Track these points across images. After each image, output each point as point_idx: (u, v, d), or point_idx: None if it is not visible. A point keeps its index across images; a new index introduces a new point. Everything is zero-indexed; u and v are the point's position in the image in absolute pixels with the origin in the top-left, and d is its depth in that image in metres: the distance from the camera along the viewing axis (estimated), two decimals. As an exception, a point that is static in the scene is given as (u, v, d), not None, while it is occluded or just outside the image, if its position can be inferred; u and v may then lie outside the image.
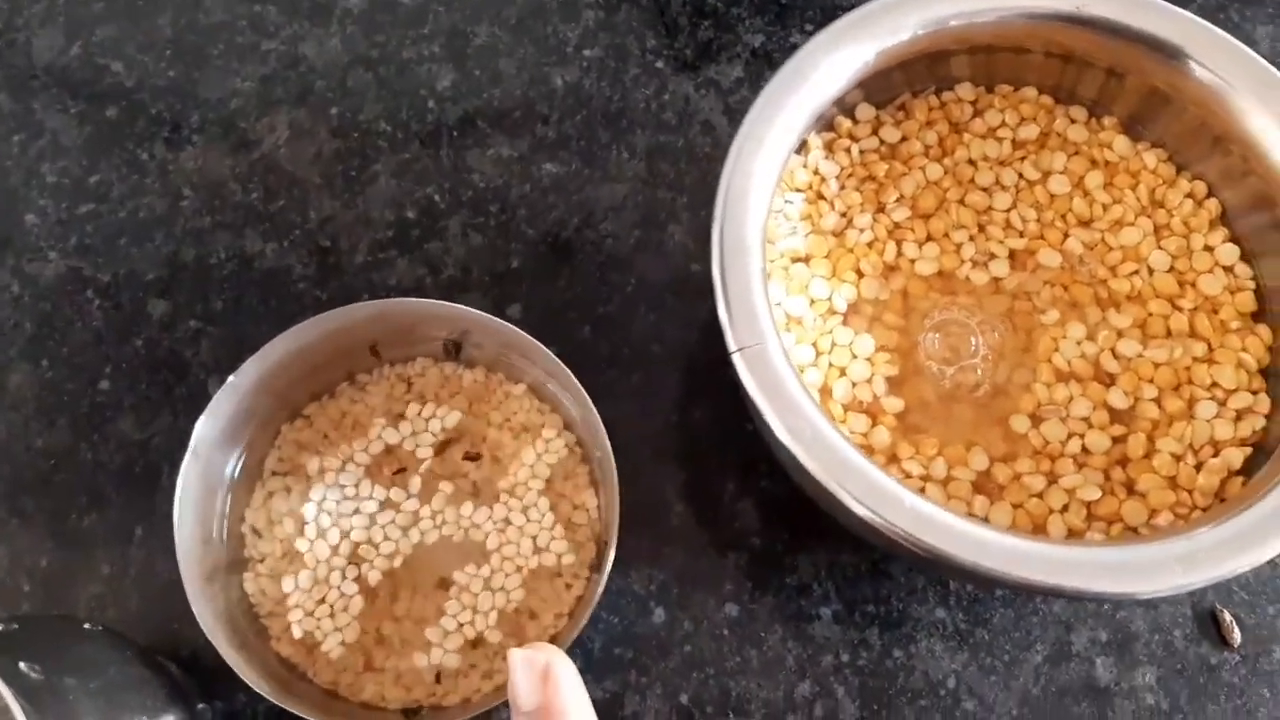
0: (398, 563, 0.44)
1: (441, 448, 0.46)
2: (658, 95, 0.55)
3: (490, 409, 0.47)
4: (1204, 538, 0.36)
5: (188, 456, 0.42)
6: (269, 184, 0.54)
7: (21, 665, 0.33)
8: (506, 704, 0.43)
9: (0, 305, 0.52)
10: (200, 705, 0.43)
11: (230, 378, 0.43)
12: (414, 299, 0.45)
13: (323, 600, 0.44)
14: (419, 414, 0.47)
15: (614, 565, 0.47)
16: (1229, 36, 0.43)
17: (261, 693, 0.39)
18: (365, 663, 0.43)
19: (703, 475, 0.49)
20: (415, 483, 0.45)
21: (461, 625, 0.43)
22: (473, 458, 0.46)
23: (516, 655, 0.31)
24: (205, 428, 0.43)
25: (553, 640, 0.42)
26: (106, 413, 0.50)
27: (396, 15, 0.57)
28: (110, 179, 0.54)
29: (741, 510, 0.48)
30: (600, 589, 0.40)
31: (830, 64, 0.42)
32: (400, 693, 0.42)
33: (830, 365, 0.44)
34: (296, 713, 0.39)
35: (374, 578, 0.44)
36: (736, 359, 0.38)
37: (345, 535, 0.45)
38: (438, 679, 0.42)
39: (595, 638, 0.46)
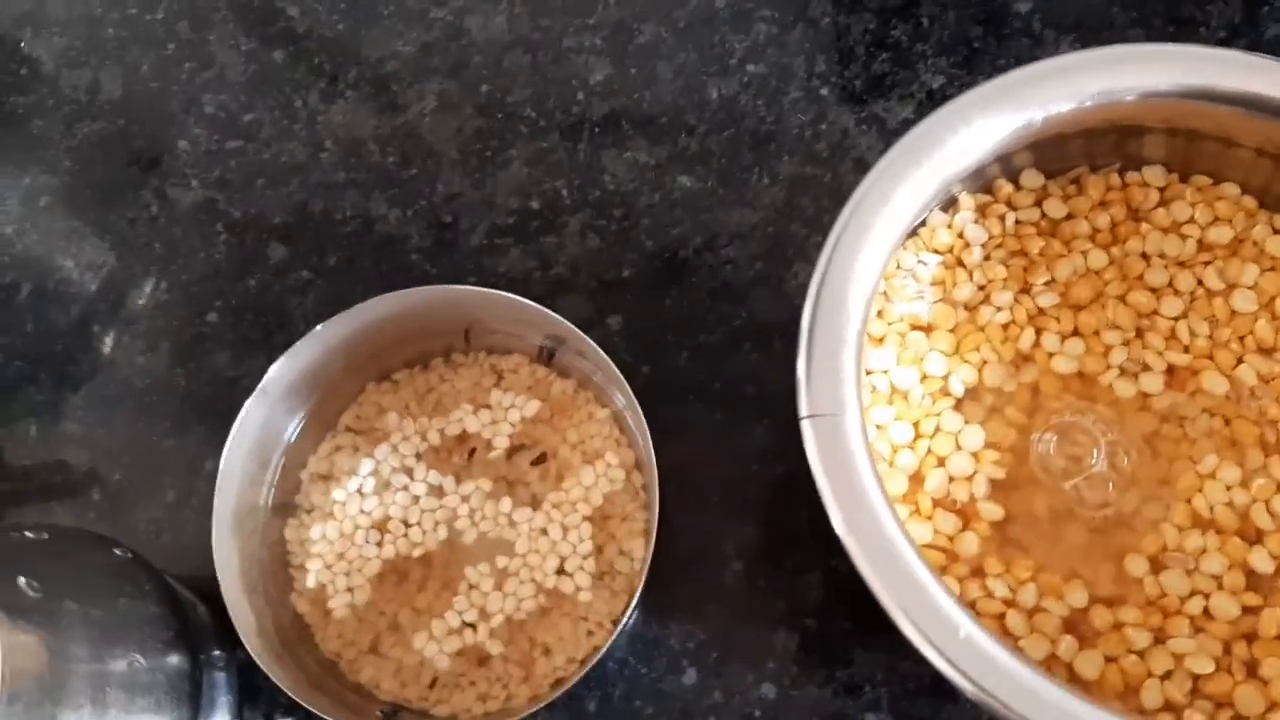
0: (417, 553, 0.43)
1: (511, 452, 0.44)
2: (814, 124, 0.51)
3: (569, 425, 0.44)
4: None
5: (256, 392, 0.42)
6: (406, 151, 0.53)
7: (20, 580, 0.33)
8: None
9: (138, 223, 0.53)
10: (217, 652, 0.42)
11: (318, 327, 0.43)
12: (518, 298, 0.42)
13: (342, 555, 0.43)
14: (500, 403, 0.45)
15: (654, 616, 0.44)
16: None
17: (248, 646, 0.38)
18: (373, 644, 0.42)
19: (771, 537, 0.45)
20: (476, 471, 0.44)
21: (465, 625, 0.41)
22: (539, 461, 0.44)
23: None
24: (281, 369, 0.42)
25: (557, 684, 0.39)
26: (206, 345, 0.51)
27: (566, 1, 0.56)
28: (263, 119, 0.55)
29: (805, 584, 0.44)
30: (615, 634, 0.37)
31: (984, 124, 0.37)
32: (395, 686, 0.41)
33: (929, 452, 0.39)
34: (274, 679, 0.37)
35: (388, 553, 0.43)
36: (805, 426, 0.34)
37: (383, 504, 0.43)
38: (432, 684, 0.40)
39: (617, 684, 0.43)
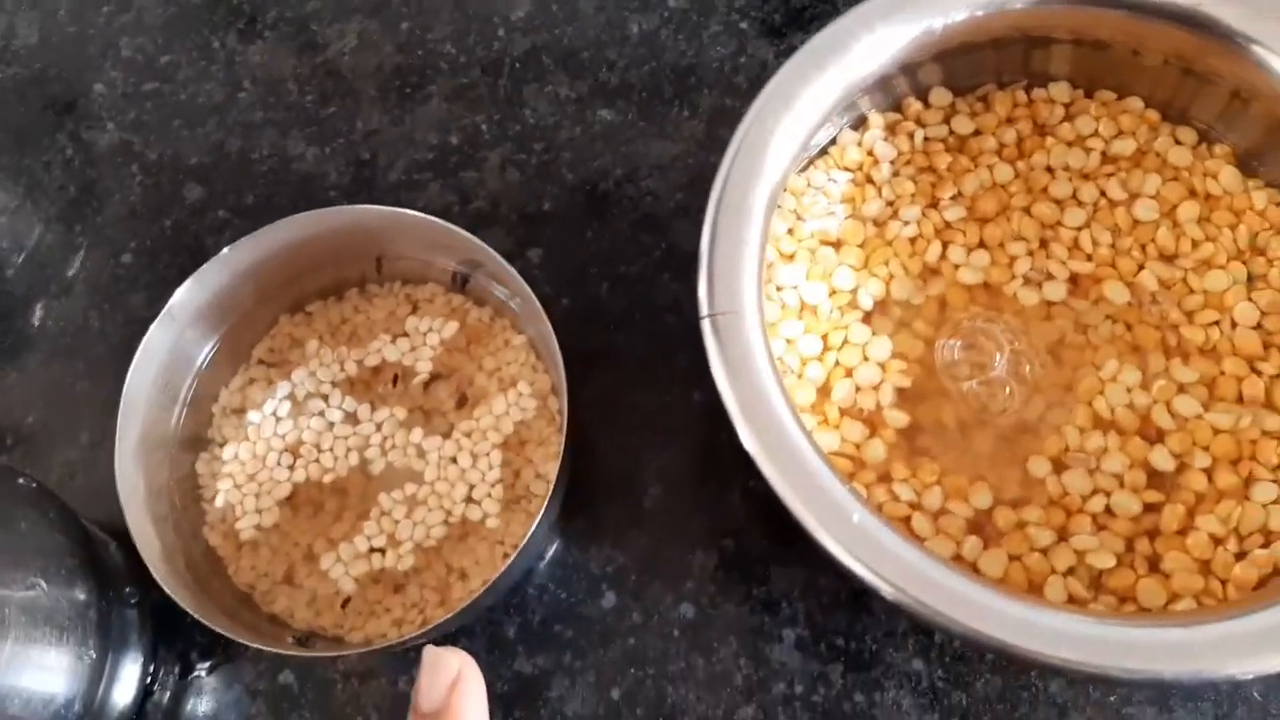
0: (328, 479, 0.42)
1: (428, 382, 0.44)
2: (734, 57, 0.52)
3: (485, 353, 0.44)
4: (1213, 630, 0.30)
5: (161, 316, 0.41)
6: (325, 89, 0.53)
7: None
8: (406, 653, 0.41)
9: (53, 166, 0.53)
10: (128, 589, 0.42)
11: (225, 249, 0.42)
12: (425, 215, 0.42)
13: (253, 477, 0.42)
14: (417, 329, 0.45)
15: (574, 542, 0.44)
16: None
17: (154, 572, 0.37)
18: (286, 574, 0.41)
19: (690, 462, 0.45)
20: (393, 399, 0.44)
21: (374, 550, 0.41)
22: (461, 403, 0.43)
23: (429, 653, 0.29)
24: (188, 293, 0.41)
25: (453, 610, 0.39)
26: (121, 285, 0.50)
27: (487, -61, 0.55)
28: (180, 61, 0.54)
29: (723, 507, 0.44)
30: (517, 551, 0.37)
31: (885, 32, 0.38)
32: (309, 615, 0.40)
33: (837, 363, 0.40)
34: (181, 604, 0.37)
35: (299, 477, 0.42)
36: (705, 325, 0.34)
37: (297, 428, 0.43)
38: (345, 607, 0.40)
39: (536, 609, 0.43)
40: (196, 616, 0.37)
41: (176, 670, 0.43)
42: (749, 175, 0.36)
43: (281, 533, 0.42)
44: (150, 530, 0.39)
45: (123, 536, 0.43)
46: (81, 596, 0.39)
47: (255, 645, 0.37)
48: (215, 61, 0.54)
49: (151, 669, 0.42)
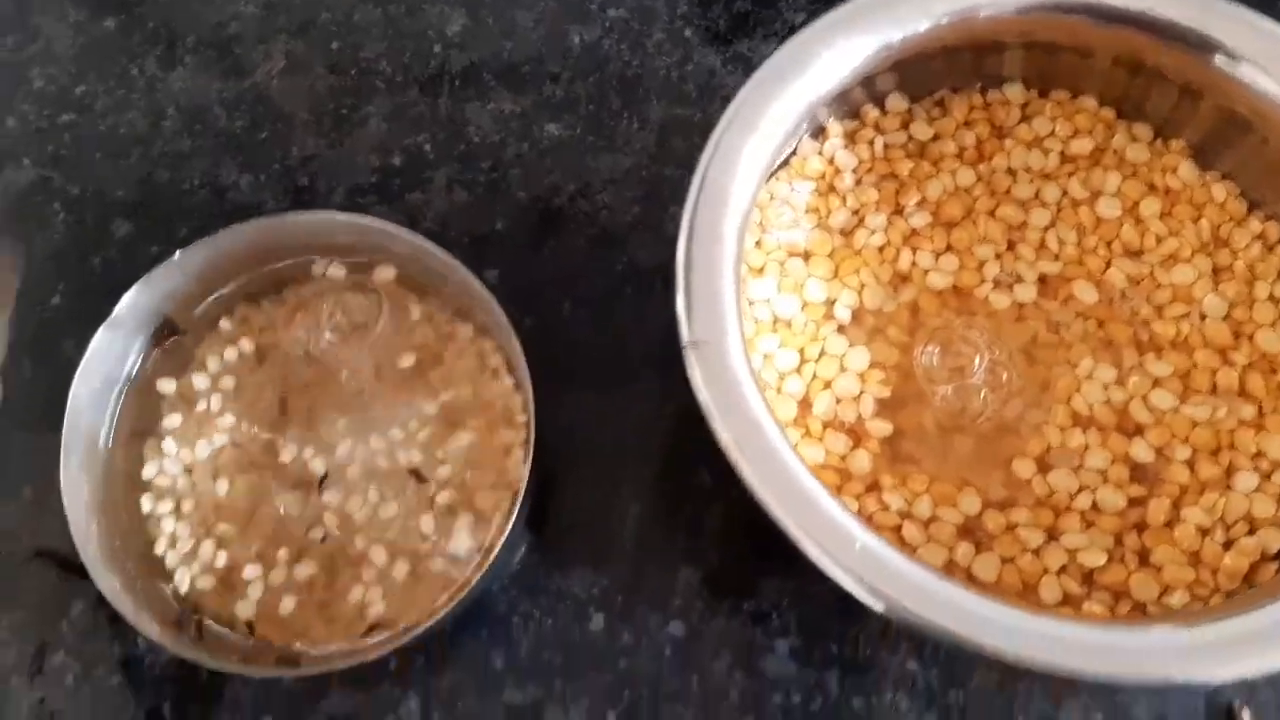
0: (286, 458, 0.41)
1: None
2: (680, 65, 0.51)
3: (450, 356, 0.43)
4: (1210, 631, 0.30)
5: (107, 322, 0.41)
6: (255, 114, 0.51)
7: None
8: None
9: (-35, 208, 0.49)
10: None
11: (176, 254, 0.41)
12: (371, 218, 0.41)
13: (191, 474, 0.42)
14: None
15: (556, 567, 0.43)
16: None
17: (100, 585, 0.36)
18: (225, 577, 0.40)
19: (667, 477, 0.44)
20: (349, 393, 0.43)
21: (324, 543, 0.40)
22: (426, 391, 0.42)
23: None
24: (134, 299, 0.41)
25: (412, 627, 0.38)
26: (51, 331, 0.47)
27: (417, -49, 0.53)
28: (96, 90, 0.51)
29: (703, 520, 0.43)
30: (480, 573, 0.36)
31: (844, 47, 0.37)
32: (260, 622, 0.40)
33: (815, 376, 0.39)
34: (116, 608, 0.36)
35: (244, 471, 0.41)
36: (688, 353, 0.33)
37: (247, 417, 0.42)
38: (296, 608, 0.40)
39: (523, 638, 0.42)
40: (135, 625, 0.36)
41: None
42: (718, 200, 0.35)
43: (227, 533, 0.41)
44: (95, 543, 0.38)
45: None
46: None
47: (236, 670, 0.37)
48: (135, 90, 0.51)
49: None
